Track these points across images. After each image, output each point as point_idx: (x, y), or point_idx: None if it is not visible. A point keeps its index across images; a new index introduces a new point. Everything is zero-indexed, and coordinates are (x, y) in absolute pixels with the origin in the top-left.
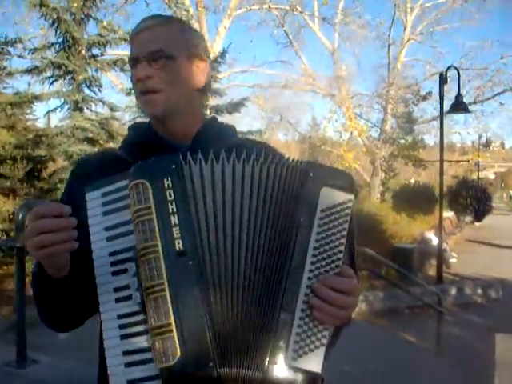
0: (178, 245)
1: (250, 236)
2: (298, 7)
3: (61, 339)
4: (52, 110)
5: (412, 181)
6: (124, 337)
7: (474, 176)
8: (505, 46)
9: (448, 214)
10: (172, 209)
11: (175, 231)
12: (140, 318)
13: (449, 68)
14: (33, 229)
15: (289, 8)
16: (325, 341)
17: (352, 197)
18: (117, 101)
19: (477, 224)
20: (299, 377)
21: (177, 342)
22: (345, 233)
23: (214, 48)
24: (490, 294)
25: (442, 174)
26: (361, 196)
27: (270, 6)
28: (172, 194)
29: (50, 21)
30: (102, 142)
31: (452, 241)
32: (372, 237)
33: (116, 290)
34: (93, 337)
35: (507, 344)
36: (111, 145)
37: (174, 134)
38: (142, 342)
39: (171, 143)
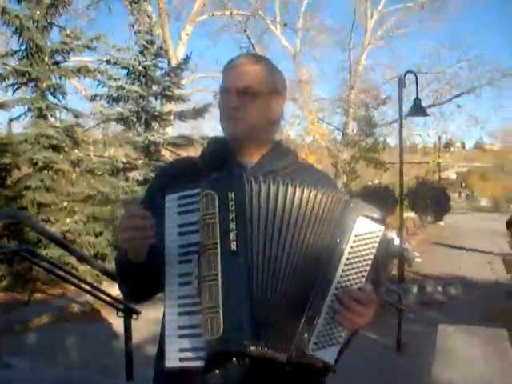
0: (233, 246)
1: (293, 247)
2: (260, 12)
3: (36, 343)
4: (16, 118)
5: (376, 181)
6: (181, 314)
7: (437, 176)
8: (462, 48)
9: (410, 214)
10: (232, 217)
11: (232, 235)
12: (195, 300)
13: (407, 72)
14: (127, 225)
15: (251, 13)
16: (341, 340)
17: (382, 228)
18: (81, 107)
19: (441, 223)
20: (315, 363)
21: (221, 321)
22: (372, 256)
23: (177, 54)
24: (450, 292)
25: (401, 175)
26: None
27: (231, 12)
28: (233, 205)
29: (13, 28)
30: (66, 148)
31: (415, 241)
32: None
33: (180, 275)
34: (65, 342)
35: (448, 333)
36: (76, 152)
37: (245, 153)
38: (194, 319)
39: (240, 161)
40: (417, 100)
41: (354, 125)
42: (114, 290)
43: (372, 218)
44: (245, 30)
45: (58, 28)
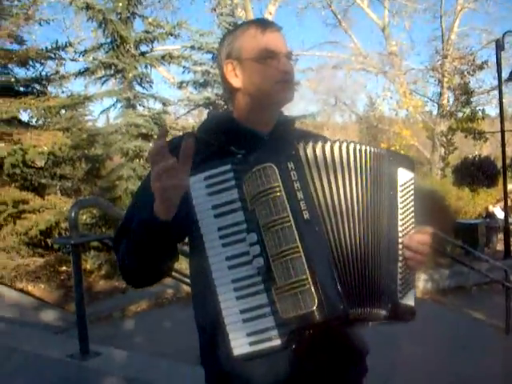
0: (306, 215)
1: (359, 205)
2: None
3: (125, 332)
4: (106, 110)
5: (475, 153)
6: (240, 297)
7: None
8: None
9: None
10: (297, 186)
11: (302, 204)
12: (255, 279)
13: (506, 33)
14: (160, 162)
15: None
16: (414, 283)
17: (413, 174)
18: (169, 95)
19: None
20: (407, 310)
21: (313, 292)
22: (413, 202)
23: None
24: None
25: (503, 145)
26: (421, 173)
27: None
28: (295, 175)
29: (98, 22)
30: (155, 137)
31: None
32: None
33: (228, 258)
34: (155, 331)
35: None
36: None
37: (260, 123)
38: (258, 300)
39: (254, 131)
40: None
41: (450, 95)
42: None
43: (407, 167)
44: (329, 5)
45: (140, 18)
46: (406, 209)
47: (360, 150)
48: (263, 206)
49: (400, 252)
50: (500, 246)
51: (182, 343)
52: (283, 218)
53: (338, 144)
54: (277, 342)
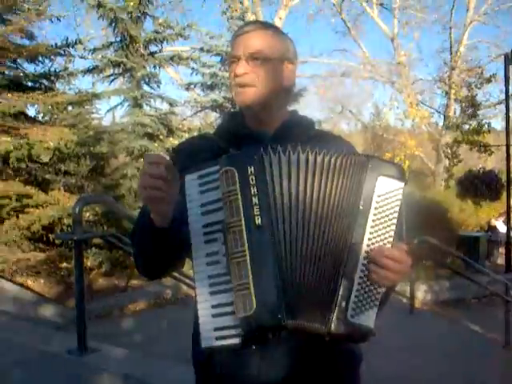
0: (258, 220)
1: (318, 215)
2: None
3: (123, 330)
4: (113, 108)
5: (480, 166)
6: (213, 293)
7: None
8: None
9: None
10: (253, 191)
11: (255, 209)
12: (225, 278)
13: None
14: (149, 172)
15: None
16: (377, 302)
17: (402, 184)
18: (176, 96)
19: None
20: (356, 330)
21: (253, 297)
22: (396, 214)
23: None
24: None
25: (508, 158)
26: (425, 184)
27: None
28: (254, 180)
29: (108, 21)
30: (161, 137)
31: None
32: (437, 225)
33: (207, 255)
34: (154, 330)
35: None
36: (171, 140)
37: (261, 123)
38: (226, 297)
39: (257, 133)
40: None
41: (456, 107)
42: None
43: (392, 176)
44: (340, 13)
45: (151, 18)
46: (383, 220)
47: (331, 157)
48: (226, 208)
49: (362, 266)
50: (501, 260)
51: (180, 343)
52: (237, 222)
53: (307, 150)
54: (236, 341)
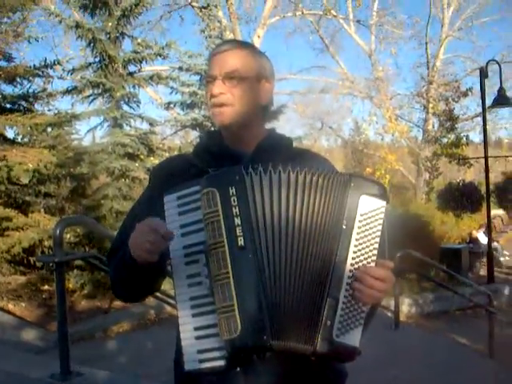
0: (240, 241)
1: (301, 235)
2: (332, 11)
3: (107, 352)
4: (92, 128)
5: (459, 178)
6: (195, 315)
7: None
8: None
9: (498, 211)
10: (235, 212)
11: (238, 230)
12: (208, 300)
13: (489, 62)
14: (148, 240)
15: (323, 13)
16: (362, 321)
17: (384, 203)
18: (157, 115)
19: None
20: (342, 349)
21: (238, 319)
22: (379, 233)
23: None
24: None
25: (487, 170)
26: (406, 198)
27: (303, 12)
28: (235, 200)
29: (87, 41)
30: (142, 156)
31: (504, 239)
32: (420, 238)
33: (188, 276)
34: (138, 352)
35: None
36: (152, 159)
37: (240, 142)
38: (209, 319)
39: (236, 152)
40: (501, 90)
41: (435, 120)
42: None
43: (374, 195)
44: (317, 30)
45: (129, 38)
46: (366, 239)
47: (313, 176)
48: (207, 229)
49: (347, 285)
50: (483, 271)
51: (165, 364)
52: (219, 243)
53: (288, 169)
54: (220, 363)
